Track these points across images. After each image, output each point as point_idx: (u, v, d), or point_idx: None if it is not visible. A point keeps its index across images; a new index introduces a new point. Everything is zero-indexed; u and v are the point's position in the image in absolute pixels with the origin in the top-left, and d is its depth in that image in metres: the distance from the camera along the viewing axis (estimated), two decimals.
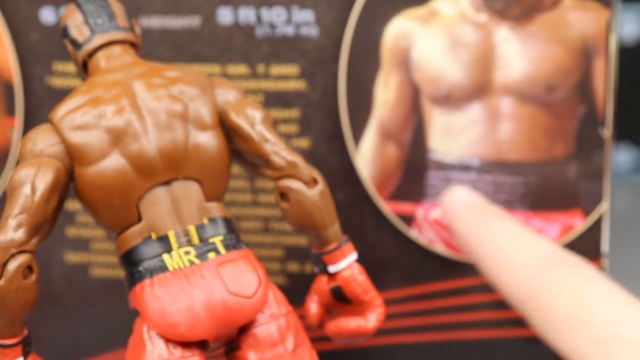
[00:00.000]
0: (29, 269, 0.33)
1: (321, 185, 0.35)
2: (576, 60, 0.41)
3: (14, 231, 0.32)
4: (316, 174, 0.35)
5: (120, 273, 0.40)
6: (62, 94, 0.44)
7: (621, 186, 0.53)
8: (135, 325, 0.34)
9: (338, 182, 0.44)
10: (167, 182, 0.34)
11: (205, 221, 0.34)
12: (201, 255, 0.34)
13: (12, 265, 0.32)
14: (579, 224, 0.42)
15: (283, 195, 0.35)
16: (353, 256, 0.36)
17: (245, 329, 0.34)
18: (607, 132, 0.41)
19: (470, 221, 0.38)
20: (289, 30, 0.42)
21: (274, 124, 0.43)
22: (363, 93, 0.43)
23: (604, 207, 0.42)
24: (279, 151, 0.35)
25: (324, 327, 0.38)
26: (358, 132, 0.43)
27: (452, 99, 0.42)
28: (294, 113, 0.43)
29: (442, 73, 0.42)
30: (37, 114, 0.45)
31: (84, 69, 0.37)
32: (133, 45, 0.37)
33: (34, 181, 0.33)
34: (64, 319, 0.47)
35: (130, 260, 0.34)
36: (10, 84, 0.45)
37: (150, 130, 0.34)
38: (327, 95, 0.43)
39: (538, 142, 0.42)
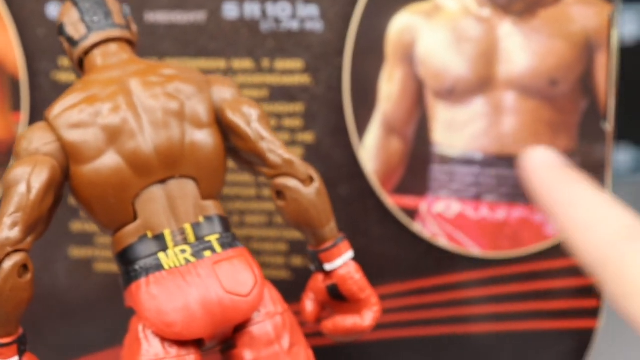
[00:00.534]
0: (24, 267, 0.33)
1: (317, 184, 0.35)
2: (579, 55, 0.41)
3: (9, 230, 0.32)
4: (312, 172, 0.35)
5: None
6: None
7: (621, 186, 0.53)
8: (131, 324, 0.34)
9: (342, 175, 0.44)
10: (163, 180, 0.34)
11: (201, 219, 0.35)
12: (197, 254, 0.34)
13: (8, 264, 0.32)
14: None
15: (279, 193, 0.35)
16: (349, 254, 0.37)
17: (241, 327, 0.34)
18: (608, 125, 0.41)
19: (552, 182, 0.38)
20: (294, 25, 0.43)
21: (276, 119, 0.43)
22: (367, 87, 0.43)
23: None
24: (275, 149, 0.35)
25: (320, 324, 0.38)
26: (362, 126, 0.43)
27: (455, 93, 0.42)
28: (298, 107, 0.44)
29: (446, 67, 0.42)
30: (43, 109, 0.45)
31: (80, 66, 0.37)
32: (129, 42, 0.37)
33: (29, 180, 0.33)
34: (68, 314, 0.47)
35: (126, 258, 0.34)
36: (16, 79, 0.45)
37: (146, 128, 0.34)
38: (331, 90, 0.43)
39: (541, 136, 0.42)
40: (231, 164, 0.43)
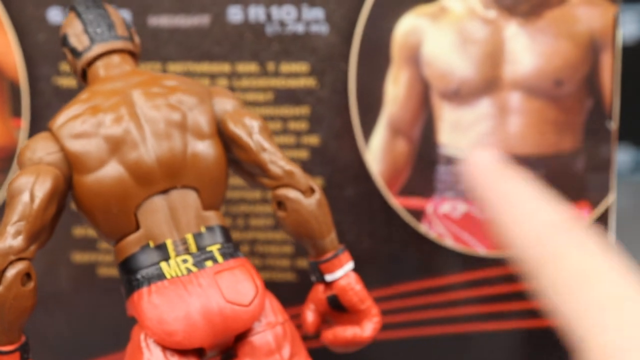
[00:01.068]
0: (27, 276, 0.33)
1: (318, 195, 0.36)
2: (584, 55, 0.41)
3: (12, 238, 0.32)
4: (313, 183, 0.36)
5: None
6: (69, 95, 0.44)
7: (621, 186, 0.54)
8: (133, 333, 0.35)
9: (348, 178, 0.44)
10: (165, 191, 0.35)
11: (203, 230, 0.35)
12: (199, 264, 0.34)
13: (11, 272, 0.32)
14: (587, 216, 0.43)
15: (280, 204, 0.36)
16: (350, 265, 0.37)
17: (241, 337, 0.34)
18: (613, 124, 0.42)
19: (489, 179, 0.39)
20: (299, 28, 0.43)
21: (282, 122, 0.43)
22: (373, 90, 0.43)
23: (611, 199, 0.43)
24: (276, 160, 0.35)
25: (320, 335, 0.38)
26: (368, 128, 0.43)
27: (461, 95, 0.42)
28: (304, 110, 0.44)
29: (452, 69, 0.42)
30: (43, 115, 0.45)
31: (83, 77, 0.37)
32: (132, 54, 0.37)
33: (32, 189, 0.33)
34: (71, 318, 0.47)
35: (128, 268, 0.34)
36: (17, 85, 0.45)
37: (148, 139, 0.34)
38: (337, 92, 0.43)
39: (546, 136, 0.42)
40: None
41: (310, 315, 0.37)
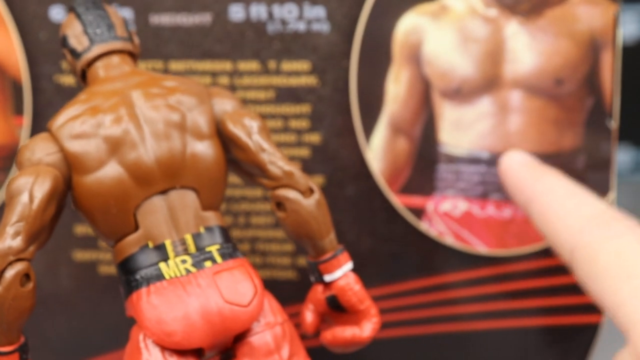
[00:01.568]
0: (26, 276, 0.33)
1: (317, 195, 0.36)
2: (584, 54, 0.41)
3: (11, 239, 0.32)
4: (312, 184, 0.36)
5: None
6: (71, 92, 0.44)
7: (621, 186, 0.54)
8: (132, 333, 0.35)
9: (349, 176, 0.44)
10: (164, 191, 0.35)
11: (202, 230, 0.35)
12: (197, 264, 0.34)
13: (10, 273, 0.32)
14: None
15: (279, 204, 0.36)
16: (349, 265, 0.37)
17: (240, 337, 0.34)
18: (614, 123, 0.42)
19: (525, 177, 0.40)
20: (301, 27, 0.43)
21: (283, 120, 0.43)
22: (374, 88, 0.43)
23: (611, 197, 0.43)
24: (275, 161, 0.35)
25: (319, 336, 0.38)
26: (369, 126, 0.44)
27: (462, 93, 0.43)
28: (305, 108, 0.44)
29: (453, 67, 0.42)
30: (45, 113, 0.45)
31: (83, 78, 0.38)
32: (132, 55, 0.38)
33: (31, 189, 0.33)
34: (72, 317, 0.47)
35: (127, 268, 0.34)
36: (19, 83, 0.45)
37: (147, 139, 0.34)
38: (338, 91, 0.43)
39: (547, 134, 0.42)
40: None
41: (309, 316, 0.37)
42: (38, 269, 0.46)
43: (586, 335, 0.45)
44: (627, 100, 0.54)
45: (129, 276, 0.34)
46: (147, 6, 0.43)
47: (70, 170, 0.34)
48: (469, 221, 0.44)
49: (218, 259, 0.34)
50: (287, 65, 0.43)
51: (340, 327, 0.37)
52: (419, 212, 0.44)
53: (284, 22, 0.43)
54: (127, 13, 0.43)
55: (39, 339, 0.47)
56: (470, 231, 0.44)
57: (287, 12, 0.43)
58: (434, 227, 0.44)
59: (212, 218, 0.35)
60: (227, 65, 0.44)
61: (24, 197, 0.33)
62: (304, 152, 0.44)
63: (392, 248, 0.45)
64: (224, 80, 0.44)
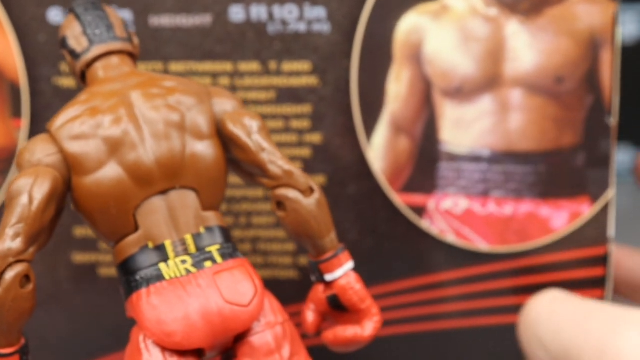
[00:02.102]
0: (26, 278, 0.33)
1: (318, 194, 0.36)
2: (584, 52, 0.42)
3: (11, 240, 0.32)
4: (312, 183, 0.36)
5: None
6: (69, 95, 0.44)
7: (621, 186, 0.55)
8: (132, 334, 0.35)
9: (350, 175, 0.44)
10: (164, 192, 0.35)
11: (202, 230, 0.35)
12: (198, 264, 0.34)
13: (10, 274, 0.32)
14: (587, 211, 0.44)
15: (280, 204, 0.36)
16: (350, 264, 0.37)
17: (241, 337, 0.35)
18: (613, 120, 0.42)
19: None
20: (301, 27, 0.43)
21: (284, 121, 0.43)
22: (375, 88, 0.43)
23: (611, 193, 0.43)
24: (275, 160, 0.35)
25: (320, 335, 0.38)
26: (370, 126, 0.44)
27: (463, 92, 0.43)
28: (306, 109, 0.44)
29: (454, 66, 0.43)
30: (44, 115, 0.44)
31: (82, 79, 0.37)
32: (131, 55, 0.37)
33: (31, 191, 0.33)
34: (72, 319, 0.47)
35: (127, 269, 0.34)
36: (17, 85, 0.44)
37: (147, 139, 0.34)
38: (339, 91, 0.43)
39: (547, 132, 0.43)
40: None
41: (310, 315, 0.38)
42: (38, 271, 0.46)
43: None
44: (627, 100, 0.55)
45: (129, 277, 0.34)
46: (147, 7, 0.43)
47: (69, 171, 0.34)
48: (470, 219, 0.44)
49: (218, 259, 0.34)
50: (288, 66, 0.43)
51: (341, 326, 0.37)
52: (420, 211, 0.45)
53: (284, 23, 0.43)
54: (126, 14, 0.43)
55: (40, 341, 0.47)
56: (472, 228, 0.44)
57: (287, 12, 0.43)
58: (435, 225, 0.45)
59: (212, 218, 0.35)
60: (227, 66, 0.44)
61: (24, 199, 0.33)
62: (305, 152, 0.44)
63: (393, 246, 0.45)
64: (225, 81, 0.44)
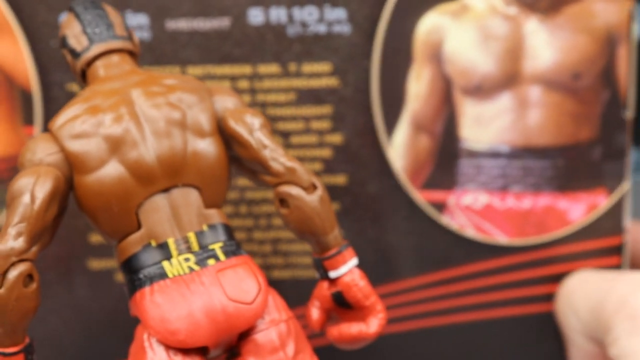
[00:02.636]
0: (29, 277, 0.33)
1: (320, 191, 0.35)
2: (601, 49, 0.43)
3: (13, 240, 0.32)
4: (315, 180, 0.36)
5: None
6: None
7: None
8: (136, 333, 0.35)
9: (371, 174, 0.45)
10: (166, 190, 0.35)
11: (205, 228, 0.35)
12: (201, 262, 0.34)
13: (13, 273, 0.32)
14: (603, 202, 0.45)
15: (282, 201, 0.36)
16: (354, 261, 0.37)
17: (245, 335, 0.35)
18: (629, 114, 0.43)
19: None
20: (321, 29, 0.43)
21: (304, 122, 0.43)
22: (395, 87, 0.43)
23: (626, 186, 0.44)
24: (277, 157, 0.35)
25: (325, 332, 0.38)
26: (390, 125, 0.44)
27: (483, 90, 0.43)
28: (326, 109, 0.44)
29: (474, 65, 0.43)
30: None
31: (83, 78, 0.37)
32: (131, 54, 0.37)
33: (33, 190, 0.33)
34: (88, 326, 0.47)
35: (130, 267, 0.34)
36: (28, 92, 0.44)
37: (148, 138, 0.34)
38: (359, 91, 0.43)
39: (565, 127, 0.44)
40: None
41: (315, 312, 0.37)
42: (53, 278, 0.45)
43: None
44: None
45: (132, 275, 0.34)
46: (164, 11, 0.42)
47: (71, 170, 0.34)
48: (490, 213, 0.45)
49: (221, 256, 0.34)
50: (307, 67, 0.43)
51: (346, 323, 0.37)
52: (440, 207, 0.45)
53: (304, 25, 0.43)
54: (142, 18, 0.42)
55: (56, 348, 0.47)
56: (491, 223, 0.45)
57: (307, 14, 0.42)
58: (455, 221, 0.45)
59: (215, 216, 0.35)
60: (246, 69, 0.43)
61: (26, 198, 0.32)
62: (326, 153, 0.44)
63: (413, 243, 0.45)
64: (244, 84, 0.43)
